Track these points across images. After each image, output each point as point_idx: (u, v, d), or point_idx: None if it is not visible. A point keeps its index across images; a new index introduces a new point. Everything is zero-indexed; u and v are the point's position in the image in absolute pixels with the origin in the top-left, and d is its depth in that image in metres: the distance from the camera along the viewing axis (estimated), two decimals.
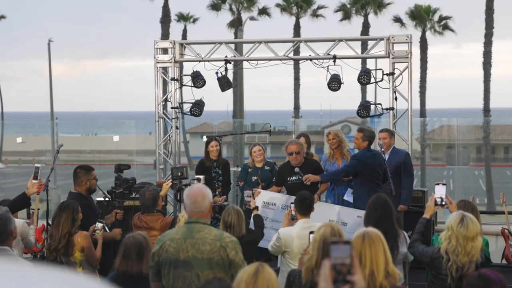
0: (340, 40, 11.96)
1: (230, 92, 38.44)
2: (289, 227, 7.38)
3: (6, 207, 6.06)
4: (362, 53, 14.08)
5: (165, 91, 13.11)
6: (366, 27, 40.21)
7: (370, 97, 39.62)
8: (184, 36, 43.38)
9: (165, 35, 39.29)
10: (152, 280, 5.44)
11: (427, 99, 39.00)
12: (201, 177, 8.88)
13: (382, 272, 4.45)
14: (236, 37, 29.08)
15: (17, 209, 8.14)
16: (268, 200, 9.78)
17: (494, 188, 33.26)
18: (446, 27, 40.47)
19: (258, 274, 4.24)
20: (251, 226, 8.47)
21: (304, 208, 7.23)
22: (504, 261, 11.26)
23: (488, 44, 35.92)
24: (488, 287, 4.47)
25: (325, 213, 9.23)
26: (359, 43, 13.28)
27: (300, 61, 12.33)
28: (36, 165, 7.82)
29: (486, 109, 36.22)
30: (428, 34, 40.23)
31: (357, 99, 29.97)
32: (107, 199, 10.43)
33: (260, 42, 12.26)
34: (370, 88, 40.48)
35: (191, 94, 12.19)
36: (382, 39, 11.94)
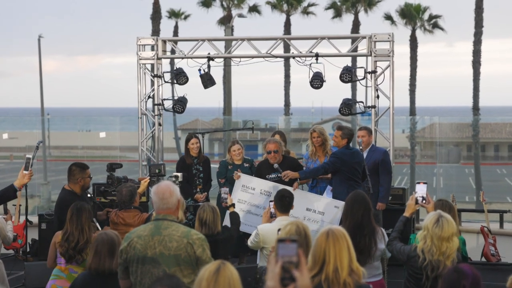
0: (323, 38, 11.98)
1: (221, 89, 38.59)
2: (268, 223, 7.43)
3: None
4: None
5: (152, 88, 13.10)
6: (356, 25, 40.26)
7: (360, 96, 39.65)
8: (175, 32, 43.32)
9: (155, 32, 39.27)
10: (121, 277, 5.46)
11: (418, 97, 39.08)
12: (179, 174, 8.87)
13: (346, 269, 4.48)
14: (225, 34, 29.06)
15: (4, 201, 8.17)
16: (248, 184, 9.88)
17: (483, 186, 33.33)
18: (436, 25, 40.52)
19: (220, 272, 4.22)
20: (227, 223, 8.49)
21: (284, 205, 7.29)
22: (483, 259, 11.34)
23: (477, 42, 36.01)
24: (461, 279, 4.50)
25: (303, 201, 9.30)
26: (347, 41, 13.29)
27: (288, 58, 12.32)
28: (27, 155, 7.84)
29: (476, 108, 36.31)
30: (419, 32, 40.32)
31: (348, 97, 29.92)
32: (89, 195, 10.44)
33: (243, 40, 12.27)
34: (361, 86, 40.55)
35: (180, 91, 12.27)
36: (364, 37, 11.98)
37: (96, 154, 30.47)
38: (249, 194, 9.82)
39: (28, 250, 11.32)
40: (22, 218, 11.28)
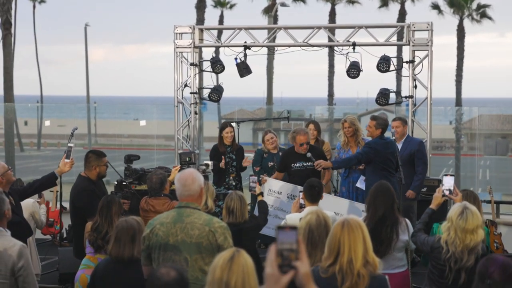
0: (361, 27, 11.87)
1: (265, 79, 38.54)
2: (297, 213, 7.40)
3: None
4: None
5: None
6: (402, 15, 39.83)
7: (405, 86, 39.24)
8: (220, 22, 43.42)
9: (200, 21, 39.34)
10: (144, 264, 5.48)
11: (464, 88, 38.54)
12: (210, 162, 8.89)
13: (360, 260, 4.43)
14: (268, 23, 29.01)
15: (45, 188, 8.32)
16: (274, 188, 9.75)
17: None
18: (484, 15, 39.89)
19: (234, 259, 4.21)
20: (255, 212, 8.49)
21: (313, 195, 7.27)
22: None
23: None
24: (488, 266, 4.46)
25: (332, 206, 9.20)
26: (387, 30, 13.13)
27: (332, 48, 12.23)
28: (69, 144, 7.98)
29: None
30: (467, 22, 39.74)
31: (393, 87, 29.68)
32: (124, 183, 10.50)
33: (280, 28, 12.23)
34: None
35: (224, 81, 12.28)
36: (403, 26, 11.84)
37: (140, 143, 30.73)
38: (275, 198, 9.68)
39: (64, 236, 11.47)
40: (58, 206, 11.43)
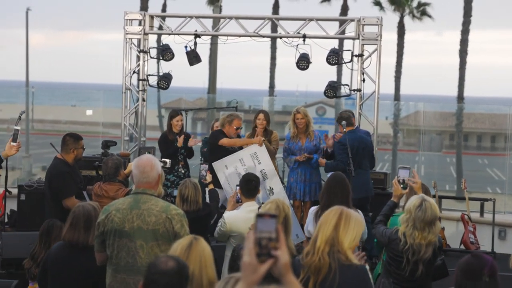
0: (311, 20, 11.92)
1: (207, 69, 38.51)
2: (234, 210, 7.23)
3: None
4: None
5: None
6: (345, 10, 40.07)
7: (345, 81, 39.62)
8: (163, 10, 43.00)
9: (143, 9, 38.94)
10: (97, 250, 5.40)
11: (403, 85, 39.09)
12: (168, 160, 8.84)
13: (323, 242, 4.38)
14: (214, 13, 28.91)
15: None
16: (259, 155, 9.80)
17: (464, 176, 33.43)
18: (424, 13, 40.45)
19: (192, 247, 4.19)
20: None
21: (250, 190, 7.06)
22: (462, 246, 11.38)
23: (465, 32, 35.99)
24: (482, 266, 4.44)
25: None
26: (335, 25, 13.22)
27: (277, 40, 12.29)
28: (16, 127, 7.82)
29: (460, 97, 36.39)
30: (407, 19, 40.26)
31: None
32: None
33: (231, 18, 12.20)
34: (346, 71, 40.54)
35: (165, 69, 12.19)
36: (352, 20, 11.92)
37: (79, 130, 30.28)
38: (252, 163, 9.70)
39: (6, 220, 11.24)
40: (1, 190, 11.19)
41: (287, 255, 2.78)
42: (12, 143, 7.73)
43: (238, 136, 10.29)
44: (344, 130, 9.98)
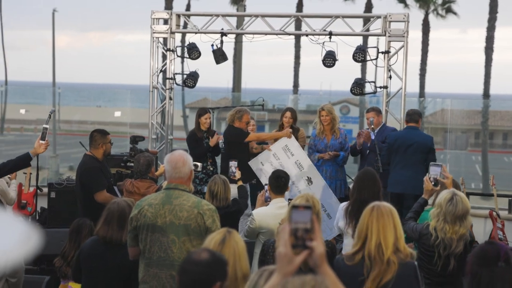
0: (337, 17, 11.91)
1: (231, 69, 38.55)
2: (263, 207, 7.24)
3: None
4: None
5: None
6: (369, 8, 39.95)
7: (369, 79, 39.48)
8: (187, 10, 43.15)
9: (168, 9, 39.13)
10: (130, 245, 5.46)
11: (427, 83, 38.89)
12: (199, 164, 8.90)
13: (390, 247, 4.44)
14: (238, 12, 28.95)
15: (18, 168, 8.28)
16: (291, 148, 10.07)
17: (490, 174, 33.20)
18: (449, 10, 40.25)
19: (225, 242, 4.21)
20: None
21: (279, 186, 7.04)
22: None
23: (491, 28, 35.73)
24: (498, 250, 4.46)
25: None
26: (359, 22, 13.22)
27: (301, 39, 12.33)
28: (44, 125, 7.89)
29: (486, 95, 36.16)
30: (432, 17, 40.08)
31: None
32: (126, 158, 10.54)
33: (257, 16, 12.22)
34: (370, 69, 40.38)
35: (191, 68, 12.25)
36: (379, 16, 11.89)
37: (110, 129, 30.36)
38: (286, 156, 9.94)
39: (37, 218, 11.38)
40: (32, 188, 11.33)
41: (323, 246, 2.81)
42: (40, 141, 7.82)
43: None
44: (372, 126, 10.01)
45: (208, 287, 3.57)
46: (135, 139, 10.34)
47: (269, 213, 6.85)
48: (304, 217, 2.78)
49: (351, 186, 7.32)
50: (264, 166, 9.85)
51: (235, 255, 4.17)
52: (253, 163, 9.92)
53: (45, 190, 10.91)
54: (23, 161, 7.94)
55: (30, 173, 11.29)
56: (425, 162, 9.48)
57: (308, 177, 9.80)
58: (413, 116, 9.97)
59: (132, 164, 9.56)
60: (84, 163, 8.28)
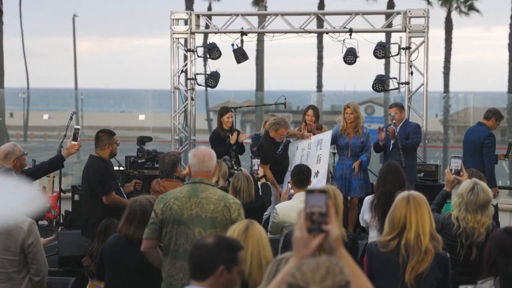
0: (357, 14, 11.89)
1: (254, 71, 38.56)
2: (286, 201, 7.26)
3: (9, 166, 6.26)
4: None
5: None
6: (391, 5, 39.82)
7: (393, 75, 39.33)
8: (209, 11, 43.24)
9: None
10: (149, 237, 5.40)
11: (452, 82, 38.64)
12: (226, 157, 8.90)
13: (427, 235, 4.54)
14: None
15: (52, 170, 8.32)
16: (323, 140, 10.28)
17: None
18: (472, 7, 40.01)
19: (248, 231, 4.25)
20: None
21: (301, 180, 7.01)
22: None
23: None
24: None
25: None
26: (381, 19, 13.15)
27: (323, 40, 12.31)
28: (76, 126, 7.95)
29: (510, 92, 35.87)
30: (454, 14, 39.82)
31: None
32: (121, 168, 10.51)
33: (276, 15, 12.24)
34: (394, 68, 40.16)
35: (213, 68, 12.28)
36: (399, 13, 11.85)
37: (129, 135, 30.53)
38: (315, 148, 10.27)
39: (61, 221, 11.45)
40: (55, 192, 11.41)
41: (338, 229, 2.84)
42: (73, 142, 7.87)
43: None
44: (394, 121, 9.99)
45: (211, 270, 3.62)
46: (142, 140, 10.26)
47: (292, 207, 6.85)
48: (320, 201, 2.82)
49: (375, 182, 7.30)
50: (297, 150, 10.31)
51: (259, 243, 4.23)
52: (291, 146, 10.36)
53: (69, 193, 10.97)
54: (56, 163, 8.01)
55: (54, 177, 11.35)
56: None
57: (317, 171, 9.83)
58: (486, 113, 10.47)
59: (138, 163, 9.55)
60: (91, 165, 8.07)
